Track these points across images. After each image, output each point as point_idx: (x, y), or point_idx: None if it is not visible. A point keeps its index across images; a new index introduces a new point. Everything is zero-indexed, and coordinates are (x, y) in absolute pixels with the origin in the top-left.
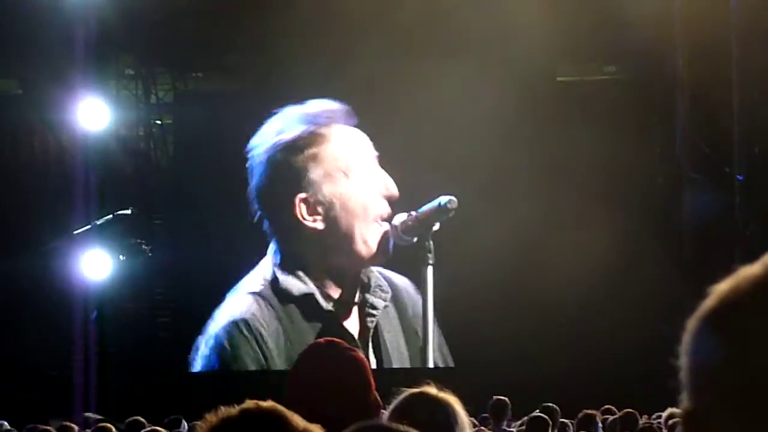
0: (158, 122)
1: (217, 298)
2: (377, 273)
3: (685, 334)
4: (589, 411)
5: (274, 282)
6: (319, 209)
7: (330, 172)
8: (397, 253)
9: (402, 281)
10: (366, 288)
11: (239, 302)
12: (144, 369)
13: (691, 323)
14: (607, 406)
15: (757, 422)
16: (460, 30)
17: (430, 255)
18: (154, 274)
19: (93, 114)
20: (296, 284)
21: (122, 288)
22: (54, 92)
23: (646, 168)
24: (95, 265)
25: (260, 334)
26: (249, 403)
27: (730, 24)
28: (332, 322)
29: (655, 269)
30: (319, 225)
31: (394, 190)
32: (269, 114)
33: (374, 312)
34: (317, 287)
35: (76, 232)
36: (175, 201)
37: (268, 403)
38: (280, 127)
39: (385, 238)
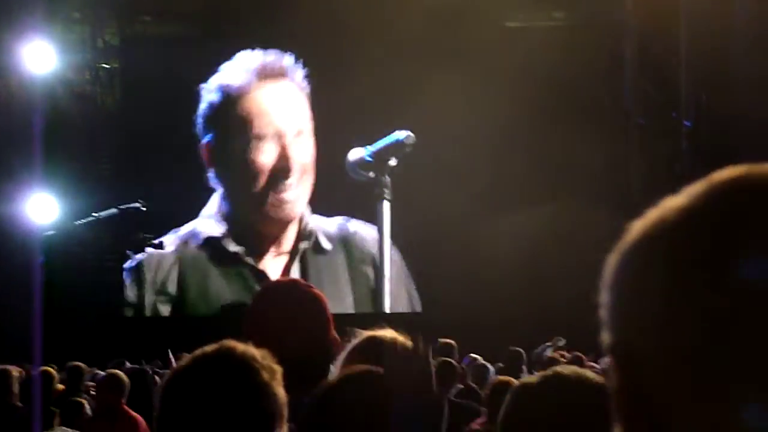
0: (105, 66)
1: (160, 227)
2: (319, 223)
3: (606, 269)
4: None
5: (200, 231)
6: (234, 164)
7: (245, 131)
8: (356, 189)
9: (359, 228)
10: (301, 237)
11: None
12: (90, 314)
13: (613, 258)
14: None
15: (679, 354)
16: None
17: (386, 190)
18: (100, 220)
19: (40, 57)
20: (213, 231)
21: (69, 233)
22: (1, 35)
23: (594, 114)
24: (41, 207)
25: (153, 279)
26: (210, 347)
27: None
28: (252, 270)
29: (603, 214)
30: (235, 179)
31: (291, 165)
32: (216, 59)
33: (306, 259)
34: (236, 234)
35: (77, 222)
36: (121, 145)
37: (233, 346)
38: (226, 74)
39: (284, 205)
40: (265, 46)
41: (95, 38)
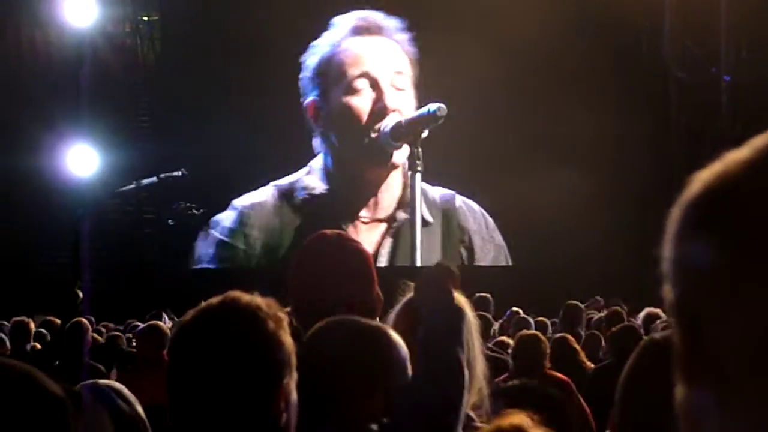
0: (145, 18)
1: (201, 195)
2: (426, 192)
3: (669, 223)
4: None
5: (302, 185)
6: (334, 115)
7: (342, 81)
8: None
9: (464, 204)
10: (402, 204)
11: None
12: (130, 266)
13: (675, 211)
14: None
15: (748, 311)
16: None
17: (418, 162)
18: (141, 172)
19: (80, 10)
20: (315, 187)
21: (108, 185)
22: None
23: (633, 68)
24: (81, 160)
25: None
26: (216, 298)
27: None
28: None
29: (645, 172)
30: (336, 130)
31: (386, 108)
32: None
33: (403, 230)
34: (337, 194)
35: (120, 189)
36: (160, 98)
37: (238, 296)
38: (326, 35)
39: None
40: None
41: None
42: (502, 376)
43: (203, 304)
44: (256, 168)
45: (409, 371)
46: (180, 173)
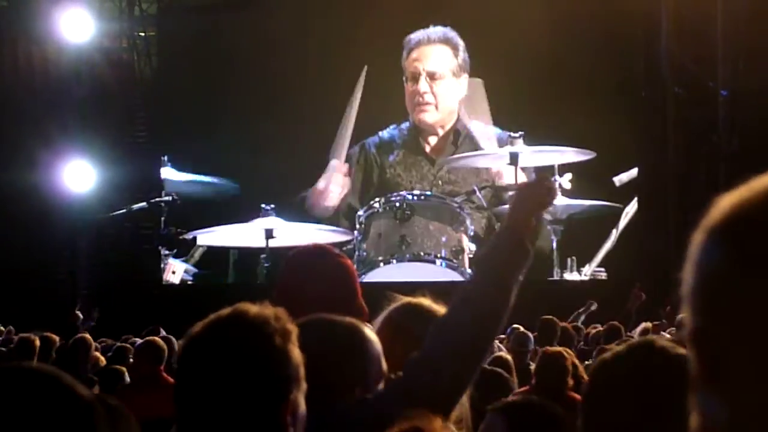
0: (142, 34)
1: (197, 211)
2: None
3: (692, 247)
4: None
5: None
6: None
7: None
8: None
9: None
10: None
11: None
12: (128, 282)
13: (698, 236)
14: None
15: (761, 350)
16: None
17: None
18: (138, 188)
19: (77, 25)
20: None
21: (104, 201)
22: (38, 3)
23: (630, 82)
24: (78, 176)
25: None
26: (223, 312)
27: None
28: None
29: (638, 184)
30: None
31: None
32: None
33: None
34: None
35: (112, 214)
36: (158, 113)
37: (246, 309)
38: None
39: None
40: (300, 15)
41: (132, 6)
42: (523, 388)
43: (212, 316)
44: (254, 186)
45: (384, 367)
46: (170, 198)
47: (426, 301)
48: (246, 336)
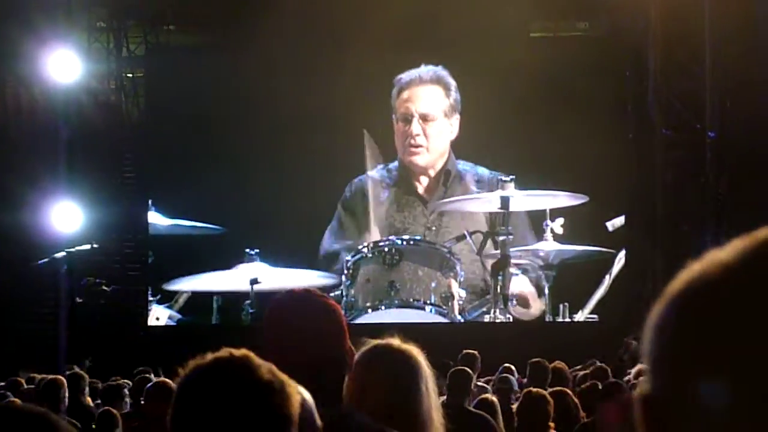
0: (129, 75)
1: (184, 253)
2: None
3: (650, 316)
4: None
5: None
6: None
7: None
8: None
9: None
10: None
11: None
12: (114, 322)
13: (658, 306)
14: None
15: (714, 410)
16: None
17: None
18: (125, 228)
19: (64, 66)
20: None
21: (92, 241)
22: (25, 45)
23: (617, 125)
24: (65, 217)
25: None
26: (220, 353)
27: None
28: None
29: (626, 228)
30: None
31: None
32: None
33: None
34: None
35: (40, 262)
36: (146, 155)
37: (239, 352)
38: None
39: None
40: (291, 54)
41: (119, 47)
42: None
43: (209, 359)
44: (239, 229)
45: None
46: (89, 246)
47: (395, 342)
48: (249, 377)
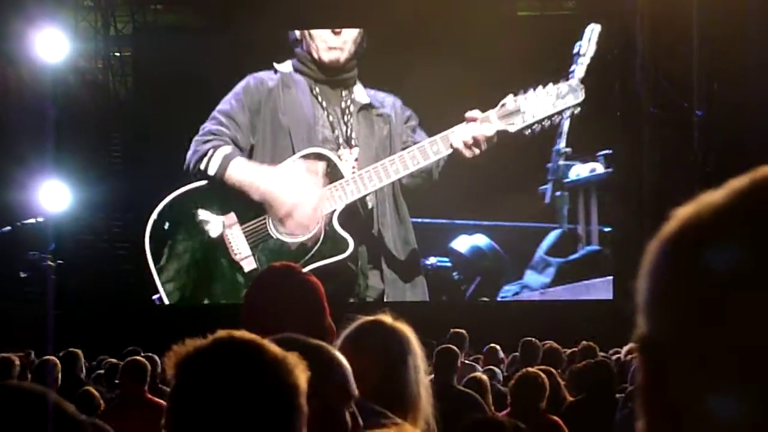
0: (117, 54)
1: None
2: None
3: (645, 256)
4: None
5: None
6: None
7: None
8: None
9: None
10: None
11: None
12: (103, 301)
13: (652, 245)
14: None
15: (712, 349)
16: None
17: None
18: (113, 207)
19: (52, 45)
20: None
21: (80, 220)
22: (13, 24)
23: (606, 103)
24: (53, 196)
25: None
26: (222, 333)
27: None
28: None
29: (617, 205)
30: None
31: None
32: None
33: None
34: None
35: None
36: (133, 133)
37: (242, 333)
38: None
39: None
40: (275, 33)
41: (107, 26)
42: (504, 411)
43: (191, 342)
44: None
45: (354, 389)
46: (35, 221)
47: (387, 319)
48: (255, 356)
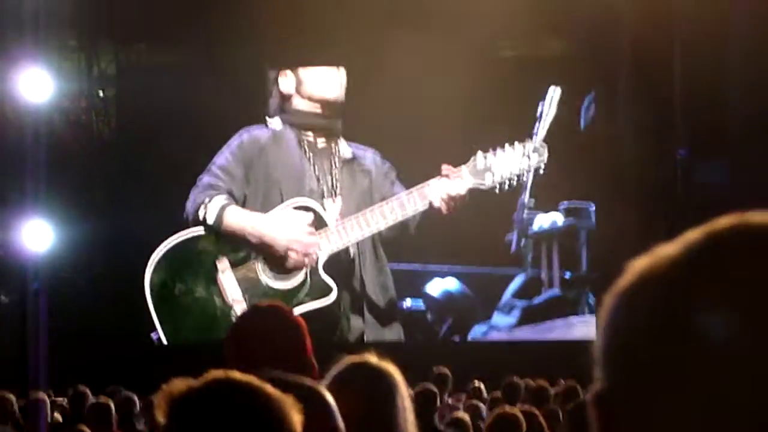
0: (101, 94)
1: None
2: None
3: (601, 310)
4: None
5: None
6: None
7: None
8: None
9: None
10: None
11: None
12: (89, 340)
13: (608, 299)
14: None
15: (666, 404)
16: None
17: None
18: (95, 247)
19: (35, 85)
20: None
21: (63, 260)
22: None
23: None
24: (36, 236)
25: None
26: (217, 373)
27: None
28: None
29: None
30: None
31: None
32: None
33: None
34: None
35: None
36: (116, 173)
37: (238, 375)
38: None
39: None
40: (262, 72)
41: (91, 66)
42: None
43: (181, 382)
44: None
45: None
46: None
47: (373, 359)
48: (253, 398)
